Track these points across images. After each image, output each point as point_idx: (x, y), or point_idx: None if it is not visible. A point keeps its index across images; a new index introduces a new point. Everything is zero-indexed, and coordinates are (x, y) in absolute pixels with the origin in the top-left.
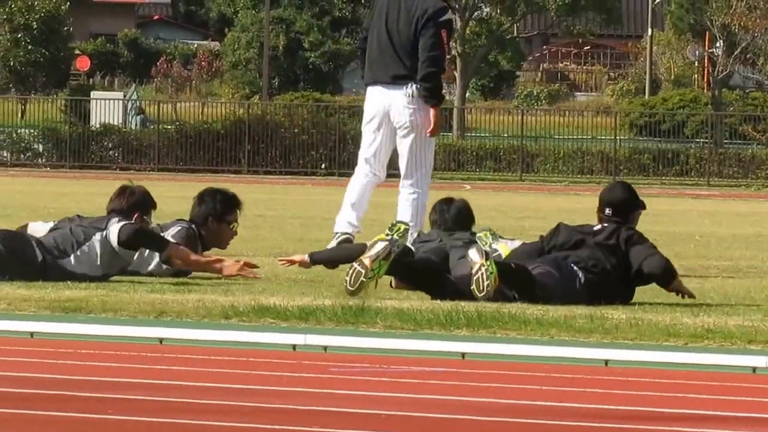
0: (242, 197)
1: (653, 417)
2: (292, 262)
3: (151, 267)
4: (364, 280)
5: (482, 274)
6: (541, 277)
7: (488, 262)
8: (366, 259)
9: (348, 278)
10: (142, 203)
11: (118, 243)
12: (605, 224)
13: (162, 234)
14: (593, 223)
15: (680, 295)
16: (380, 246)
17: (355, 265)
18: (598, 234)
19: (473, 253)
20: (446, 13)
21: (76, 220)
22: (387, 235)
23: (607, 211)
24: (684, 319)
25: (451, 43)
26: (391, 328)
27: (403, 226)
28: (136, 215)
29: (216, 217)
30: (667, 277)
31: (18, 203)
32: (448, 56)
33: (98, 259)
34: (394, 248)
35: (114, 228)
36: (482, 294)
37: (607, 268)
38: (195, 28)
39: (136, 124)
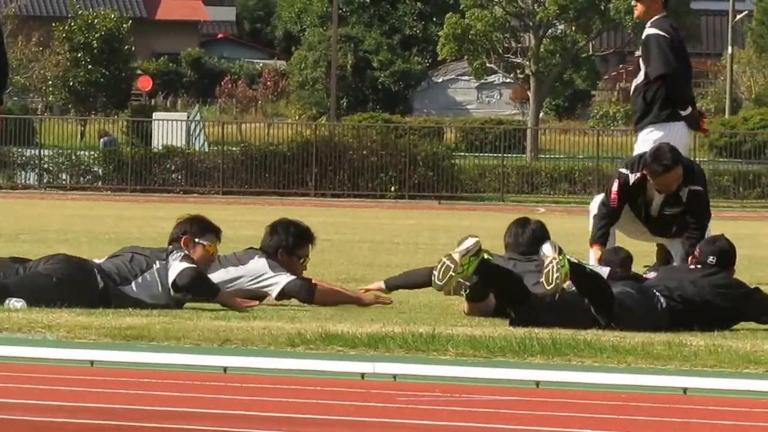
0: (309, 221)
1: None
2: (369, 291)
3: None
4: (453, 275)
5: (553, 266)
6: (620, 296)
7: (561, 257)
8: (456, 254)
9: (436, 272)
10: (191, 229)
11: (173, 285)
12: (699, 266)
13: (238, 267)
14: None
15: None
16: (470, 242)
17: (445, 259)
18: (692, 272)
19: (547, 248)
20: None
21: (138, 248)
22: None
23: (711, 259)
24: (765, 345)
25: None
26: (463, 356)
27: (486, 255)
28: (184, 239)
29: (286, 249)
30: None
31: (78, 228)
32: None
33: (159, 287)
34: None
35: (175, 267)
36: (550, 287)
37: (692, 300)
38: (260, 46)
39: (104, 144)
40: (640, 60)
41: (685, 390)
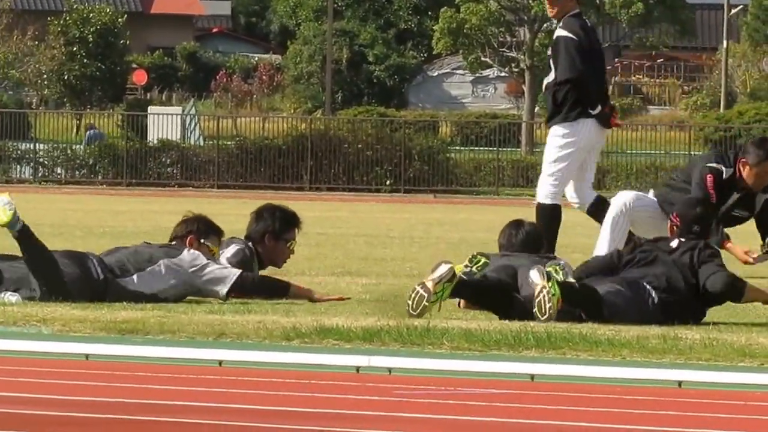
0: (304, 215)
1: None
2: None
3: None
4: (427, 304)
5: (544, 296)
6: (610, 296)
7: (550, 284)
8: (429, 282)
9: (410, 302)
10: (197, 228)
11: (233, 290)
12: (682, 239)
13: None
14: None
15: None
16: (443, 269)
17: (418, 288)
18: (674, 251)
19: (534, 275)
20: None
21: (144, 245)
22: (466, 266)
23: (695, 228)
24: (760, 339)
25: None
26: (458, 349)
27: (483, 260)
28: (189, 238)
29: (273, 234)
30: (732, 293)
31: (73, 221)
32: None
33: (162, 282)
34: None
35: (225, 275)
36: (545, 317)
37: (680, 288)
38: (256, 40)
39: (89, 138)
40: (551, 60)
41: (680, 383)
